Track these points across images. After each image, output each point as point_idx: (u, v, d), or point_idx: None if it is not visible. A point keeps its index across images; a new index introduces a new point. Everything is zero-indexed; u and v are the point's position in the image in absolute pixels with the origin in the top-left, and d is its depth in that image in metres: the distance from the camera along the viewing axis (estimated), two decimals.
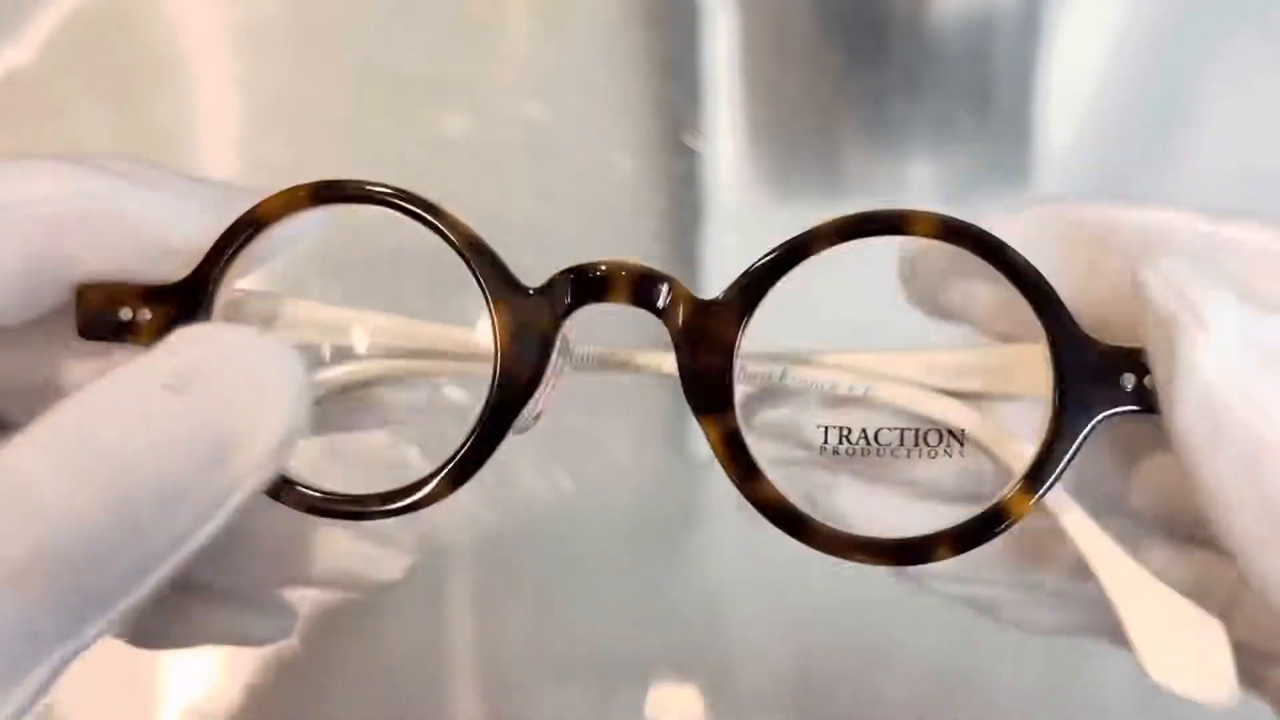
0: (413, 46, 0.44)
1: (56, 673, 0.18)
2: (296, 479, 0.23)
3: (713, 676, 0.40)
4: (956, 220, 0.22)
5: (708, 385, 0.22)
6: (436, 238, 0.23)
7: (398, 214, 0.23)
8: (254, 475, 0.20)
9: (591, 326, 0.24)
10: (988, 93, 0.44)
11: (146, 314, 0.23)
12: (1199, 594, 0.23)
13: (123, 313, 0.23)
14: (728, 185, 0.44)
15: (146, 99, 0.43)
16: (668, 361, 0.23)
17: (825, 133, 0.44)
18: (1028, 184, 0.44)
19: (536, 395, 0.23)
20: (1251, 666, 0.24)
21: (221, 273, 0.23)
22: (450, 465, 0.22)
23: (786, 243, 0.22)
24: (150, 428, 0.19)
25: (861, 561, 0.22)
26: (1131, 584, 0.22)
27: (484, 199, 0.42)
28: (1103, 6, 0.44)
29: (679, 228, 0.43)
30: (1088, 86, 0.44)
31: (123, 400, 0.19)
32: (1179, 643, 0.22)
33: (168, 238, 0.23)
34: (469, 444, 0.22)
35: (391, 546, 0.25)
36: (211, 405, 0.19)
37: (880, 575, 0.24)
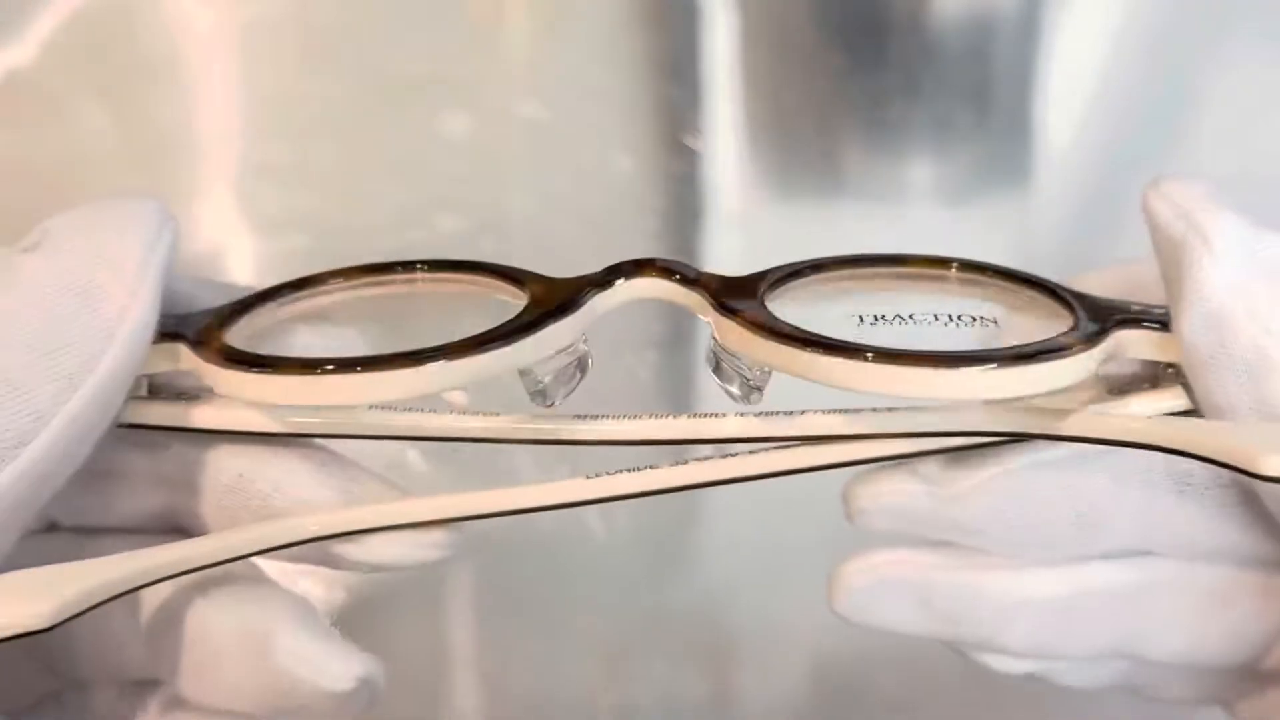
0: (413, 46, 0.44)
1: None
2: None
3: (713, 676, 0.40)
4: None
5: (742, 287, 0.22)
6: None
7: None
8: (130, 309, 0.20)
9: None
10: (987, 93, 0.44)
11: None
12: None
13: None
14: (728, 185, 0.44)
15: (147, 99, 0.43)
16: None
17: (825, 133, 0.44)
18: (1027, 185, 0.44)
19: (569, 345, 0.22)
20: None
21: None
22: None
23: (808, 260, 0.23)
24: (12, 289, 0.20)
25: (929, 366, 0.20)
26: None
27: (484, 199, 0.42)
28: (1102, 8, 0.44)
29: (679, 228, 0.43)
30: (1087, 87, 0.44)
31: None
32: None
33: None
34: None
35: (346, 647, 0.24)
36: (64, 254, 0.20)
37: None
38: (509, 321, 0.22)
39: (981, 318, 0.22)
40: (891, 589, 0.24)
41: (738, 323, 0.22)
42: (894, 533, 0.24)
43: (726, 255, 0.43)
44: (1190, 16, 0.44)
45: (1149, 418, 0.22)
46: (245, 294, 0.24)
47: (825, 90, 0.44)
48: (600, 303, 0.23)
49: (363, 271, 0.25)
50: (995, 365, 0.20)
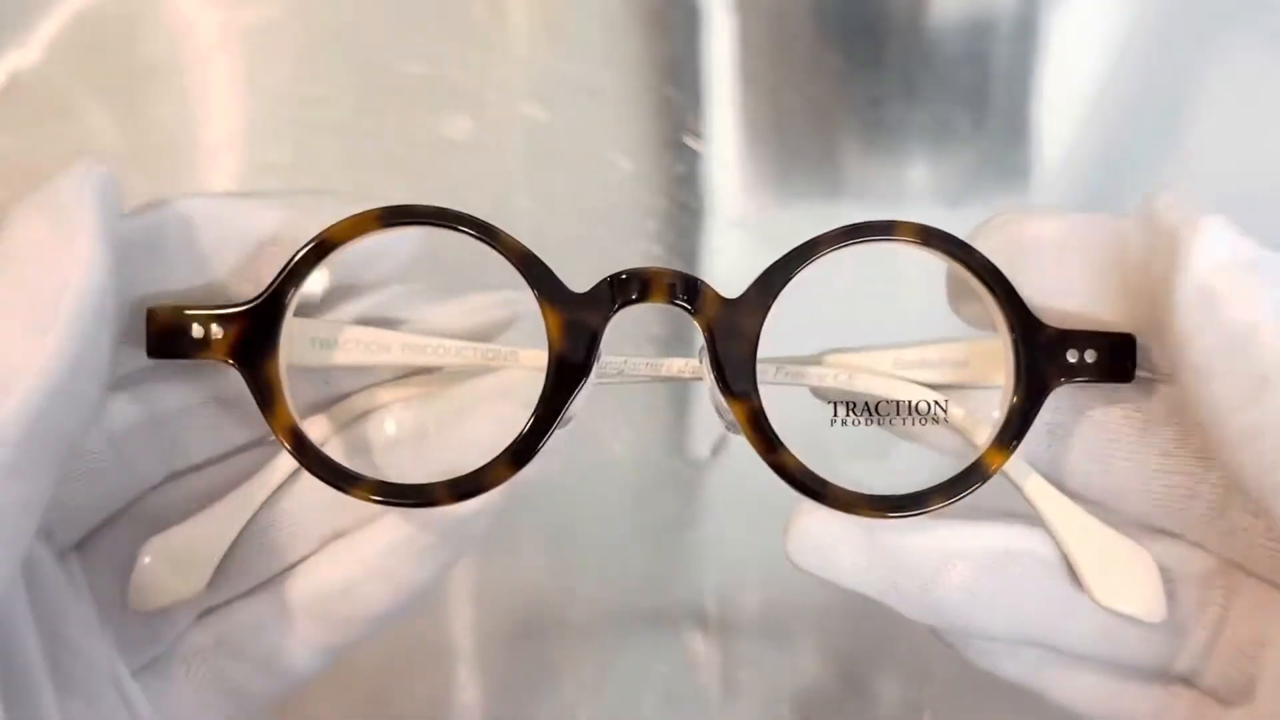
0: (414, 48, 0.44)
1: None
2: (361, 472, 0.25)
3: (713, 674, 0.41)
4: (935, 229, 0.26)
5: (736, 370, 0.25)
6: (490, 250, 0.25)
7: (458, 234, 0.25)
8: (86, 261, 0.21)
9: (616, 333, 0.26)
10: (985, 96, 0.44)
11: (217, 331, 0.25)
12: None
13: (194, 330, 0.25)
14: (727, 186, 0.44)
15: (150, 100, 0.43)
16: (677, 365, 0.27)
17: (824, 135, 0.44)
18: (1026, 186, 0.44)
19: (585, 383, 0.25)
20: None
21: (288, 292, 0.25)
22: (513, 447, 0.25)
23: (796, 247, 0.26)
24: None
25: (870, 515, 0.25)
26: (1078, 527, 0.26)
27: (484, 199, 0.42)
28: (1100, 9, 0.44)
29: (679, 228, 0.43)
30: (1085, 89, 0.44)
31: None
32: (1120, 573, 0.26)
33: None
34: (528, 429, 0.25)
35: None
36: (19, 225, 0.22)
37: None
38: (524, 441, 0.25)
39: (934, 403, 0.27)
40: (841, 539, 0.26)
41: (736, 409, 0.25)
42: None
43: (726, 255, 0.43)
44: (1188, 18, 0.44)
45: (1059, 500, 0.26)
46: None
47: (824, 92, 0.45)
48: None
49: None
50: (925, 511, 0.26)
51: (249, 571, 0.27)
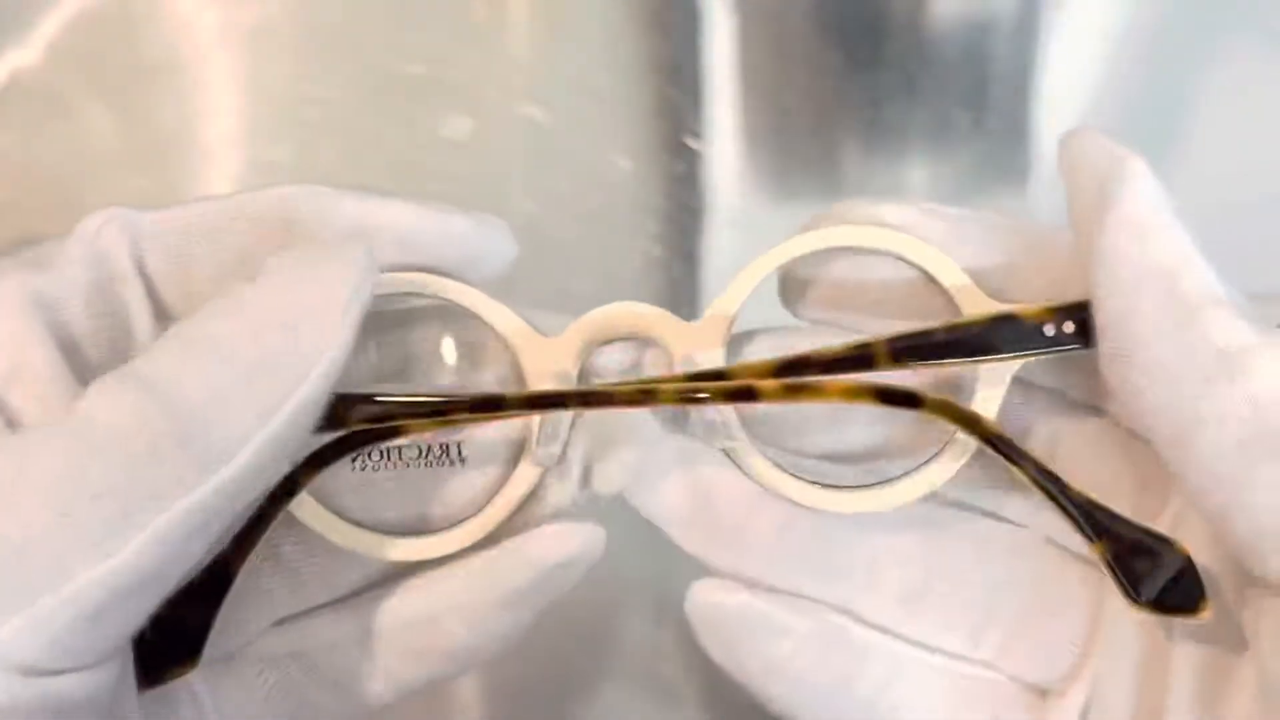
0: (414, 48, 0.44)
1: (178, 525, 0.21)
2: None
3: (713, 674, 0.41)
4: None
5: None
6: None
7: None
8: (329, 344, 0.22)
9: None
10: (985, 95, 0.44)
11: None
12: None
13: None
14: (727, 186, 0.44)
15: (150, 100, 0.43)
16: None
17: (824, 134, 0.44)
18: (1025, 185, 0.44)
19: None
20: None
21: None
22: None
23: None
24: (235, 315, 0.22)
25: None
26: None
27: (484, 199, 0.42)
28: (1099, 9, 0.44)
29: (679, 228, 0.43)
30: (1084, 89, 0.44)
31: (218, 303, 0.23)
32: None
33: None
34: None
35: None
36: (277, 288, 0.22)
37: None
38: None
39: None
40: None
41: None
42: None
43: (726, 255, 0.43)
44: (1187, 18, 0.45)
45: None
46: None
47: (824, 91, 0.45)
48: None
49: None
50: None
51: (331, 581, 0.27)
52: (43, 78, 0.43)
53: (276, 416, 0.21)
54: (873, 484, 0.26)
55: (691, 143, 0.44)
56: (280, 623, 0.27)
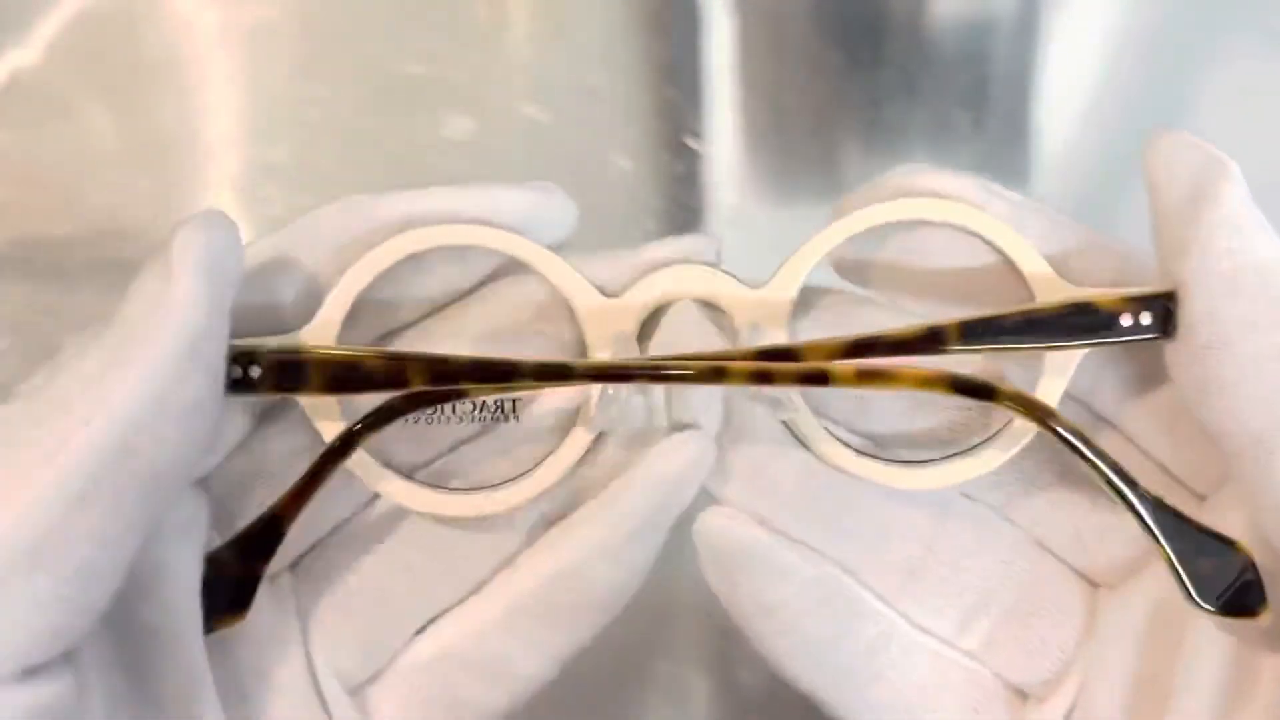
0: (414, 48, 0.44)
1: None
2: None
3: (714, 674, 0.41)
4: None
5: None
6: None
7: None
8: (176, 302, 0.22)
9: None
10: (985, 95, 0.44)
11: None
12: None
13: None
14: (727, 186, 0.44)
15: (150, 100, 0.44)
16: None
17: (824, 134, 0.45)
18: (1025, 186, 0.44)
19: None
20: None
21: None
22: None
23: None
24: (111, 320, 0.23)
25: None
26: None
27: None
28: (1099, 9, 0.44)
29: (679, 228, 0.43)
30: (1085, 89, 0.44)
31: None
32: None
33: None
34: None
35: None
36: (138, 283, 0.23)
37: None
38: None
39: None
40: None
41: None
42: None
43: (726, 255, 0.43)
44: (1187, 18, 0.45)
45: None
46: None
47: (824, 92, 0.45)
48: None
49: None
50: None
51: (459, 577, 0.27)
52: (43, 78, 0.43)
53: (132, 369, 0.21)
54: (927, 461, 0.26)
55: (691, 143, 0.44)
56: (420, 631, 0.27)
